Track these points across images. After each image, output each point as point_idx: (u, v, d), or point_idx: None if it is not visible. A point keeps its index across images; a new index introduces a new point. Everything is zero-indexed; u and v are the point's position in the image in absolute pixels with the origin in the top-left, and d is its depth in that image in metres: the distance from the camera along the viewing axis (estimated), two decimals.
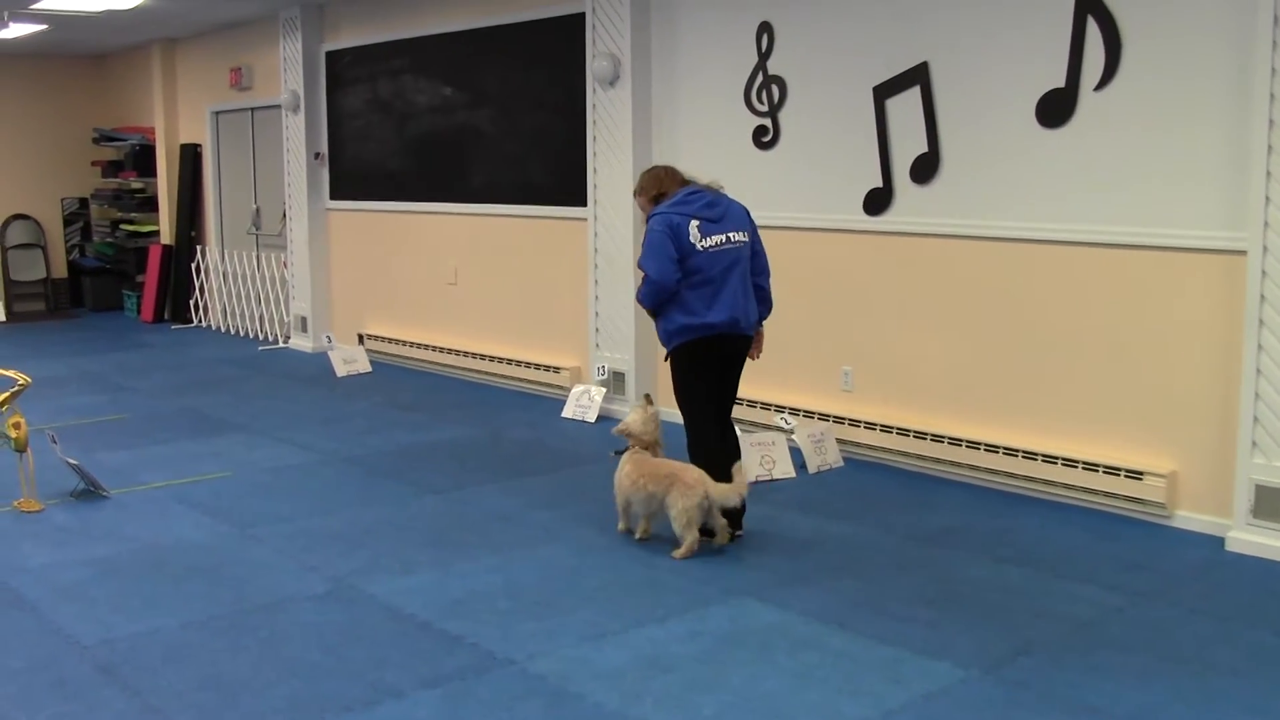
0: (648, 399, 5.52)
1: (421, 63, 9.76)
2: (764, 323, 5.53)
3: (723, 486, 5.05)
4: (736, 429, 5.62)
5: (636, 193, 5.62)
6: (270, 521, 5.76)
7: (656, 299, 5.24)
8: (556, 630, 4.37)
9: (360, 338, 10.55)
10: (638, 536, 5.36)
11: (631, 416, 5.40)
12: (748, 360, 5.50)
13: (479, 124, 9.27)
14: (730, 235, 5.26)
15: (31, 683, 3.98)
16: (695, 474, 5.09)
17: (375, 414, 8.26)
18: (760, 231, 5.43)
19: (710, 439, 5.36)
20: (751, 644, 4.24)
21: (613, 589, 4.81)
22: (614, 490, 5.42)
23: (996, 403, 6.19)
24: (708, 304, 5.20)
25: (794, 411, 6.95)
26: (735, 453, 5.39)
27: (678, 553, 5.11)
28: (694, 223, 5.19)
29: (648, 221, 5.35)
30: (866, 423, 6.67)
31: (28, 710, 3.79)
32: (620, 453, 5.44)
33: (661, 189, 5.42)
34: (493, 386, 9.14)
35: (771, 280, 5.50)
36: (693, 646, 4.21)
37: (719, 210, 5.28)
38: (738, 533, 5.34)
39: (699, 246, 5.17)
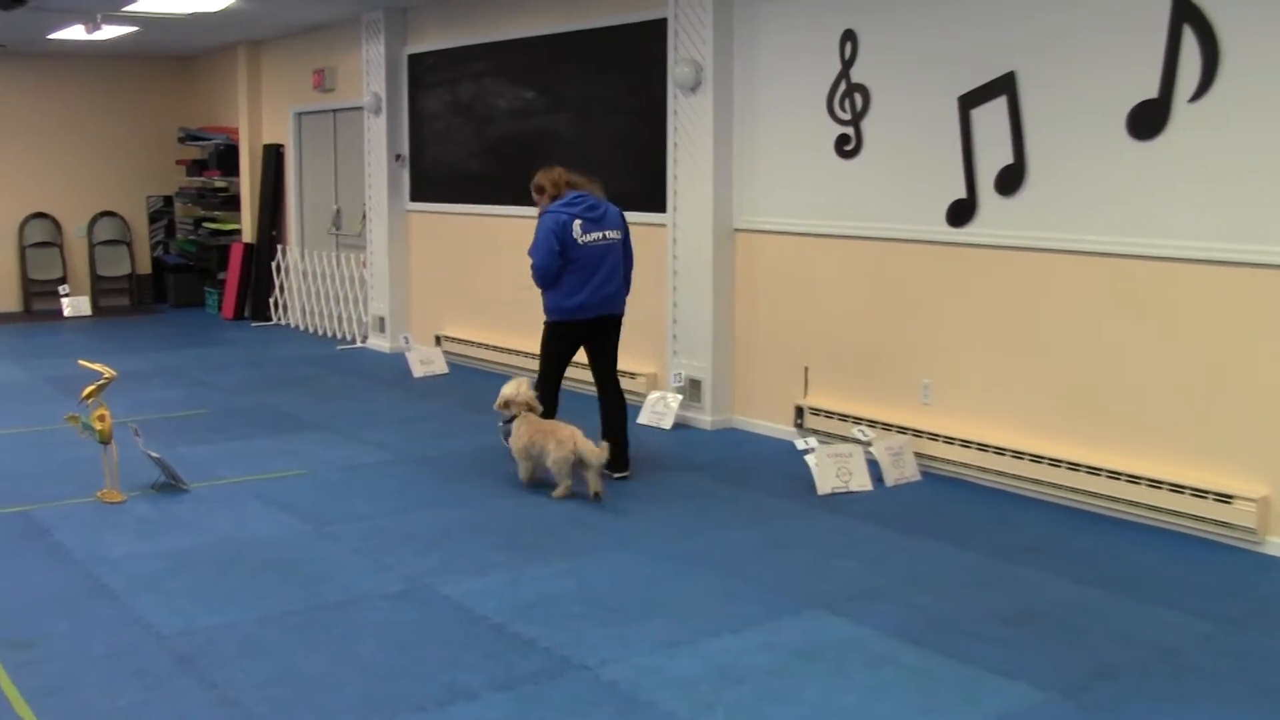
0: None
1: (503, 67, 9.81)
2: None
3: (590, 446, 6.00)
4: (620, 383, 6.73)
5: (537, 190, 6.58)
6: (345, 519, 5.81)
7: (543, 281, 6.40)
8: (629, 637, 4.35)
9: (437, 339, 10.62)
10: (522, 478, 6.31)
11: (506, 389, 6.35)
12: None
13: (559, 128, 9.30)
14: (605, 233, 6.41)
15: (113, 670, 4.05)
16: (568, 431, 6.09)
17: (451, 415, 8.30)
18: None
19: (552, 384, 6.61)
20: (826, 657, 4.19)
21: (686, 597, 4.78)
22: (513, 450, 6.31)
23: (1079, 420, 6.06)
24: (580, 288, 6.34)
25: (872, 424, 6.87)
26: (617, 408, 6.56)
27: (555, 493, 6.10)
28: (577, 221, 6.32)
29: (540, 216, 6.42)
30: (945, 437, 6.57)
31: (110, 696, 3.85)
32: (508, 423, 6.40)
33: (558, 191, 6.48)
34: (567, 391, 9.11)
35: (634, 271, 6.71)
36: (766, 658, 4.17)
37: (599, 213, 6.41)
38: (615, 475, 6.35)
39: (580, 241, 6.31)
